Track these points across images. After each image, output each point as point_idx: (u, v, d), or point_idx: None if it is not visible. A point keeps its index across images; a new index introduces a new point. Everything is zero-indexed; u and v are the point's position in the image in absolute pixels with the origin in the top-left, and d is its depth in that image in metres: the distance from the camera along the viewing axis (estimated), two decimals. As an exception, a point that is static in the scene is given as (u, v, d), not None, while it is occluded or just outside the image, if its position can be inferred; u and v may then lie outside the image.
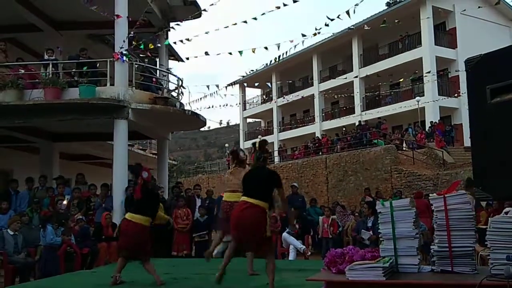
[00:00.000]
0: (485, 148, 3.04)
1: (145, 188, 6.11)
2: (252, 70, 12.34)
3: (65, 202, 10.18)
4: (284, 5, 8.33)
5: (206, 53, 10.41)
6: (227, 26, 9.32)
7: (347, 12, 8.07)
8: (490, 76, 3.01)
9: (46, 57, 11.28)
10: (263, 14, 8.71)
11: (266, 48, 10.01)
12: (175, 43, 12.27)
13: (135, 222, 5.88)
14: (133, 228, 5.86)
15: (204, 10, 9.34)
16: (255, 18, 8.91)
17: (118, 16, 10.46)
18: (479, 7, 13.89)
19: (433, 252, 3.24)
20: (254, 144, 5.37)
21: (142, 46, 10.54)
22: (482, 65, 3.09)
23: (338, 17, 8.39)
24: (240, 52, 10.52)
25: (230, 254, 5.11)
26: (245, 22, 9.15)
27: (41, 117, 10.53)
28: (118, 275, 5.91)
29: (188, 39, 9.67)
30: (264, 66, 12.40)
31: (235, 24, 9.17)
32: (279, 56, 9.98)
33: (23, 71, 10.80)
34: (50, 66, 10.77)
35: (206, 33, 9.27)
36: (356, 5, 8.01)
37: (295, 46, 9.40)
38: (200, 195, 11.77)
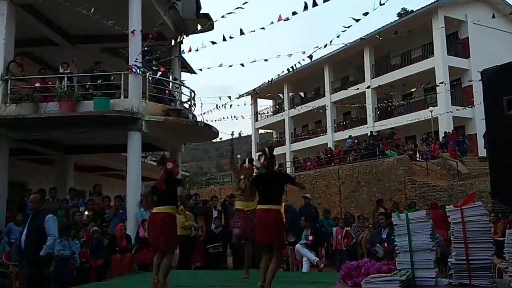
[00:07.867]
0: (503, 160, 3.01)
1: (169, 180, 6.06)
2: (264, 82, 12.33)
3: (86, 212, 10.25)
4: (293, 13, 8.26)
5: (221, 65, 10.51)
6: (233, 37, 9.27)
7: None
8: (507, 87, 2.99)
9: (61, 70, 11.44)
10: (272, 23, 8.71)
11: (278, 56, 10.04)
12: (184, 52, 12.26)
13: (160, 211, 5.95)
14: (158, 217, 5.95)
15: (216, 20, 9.36)
16: (263, 28, 8.91)
17: (133, 32, 10.60)
18: (492, 17, 13.79)
19: (451, 264, 3.20)
20: (264, 150, 5.70)
21: (154, 62, 10.66)
22: (498, 76, 3.07)
23: (348, 27, 8.37)
24: (253, 62, 10.57)
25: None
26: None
27: (56, 129, 10.65)
28: (156, 277, 5.84)
29: (197, 49, 9.70)
30: (276, 77, 12.38)
31: (243, 34, 9.09)
32: (292, 67, 9.97)
33: (38, 84, 10.95)
34: (65, 79, 10.91)
35: (214, 43, 9.29)
36: (366, 13, 7.95)
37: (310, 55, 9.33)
38: (217, 207, 11.80)
